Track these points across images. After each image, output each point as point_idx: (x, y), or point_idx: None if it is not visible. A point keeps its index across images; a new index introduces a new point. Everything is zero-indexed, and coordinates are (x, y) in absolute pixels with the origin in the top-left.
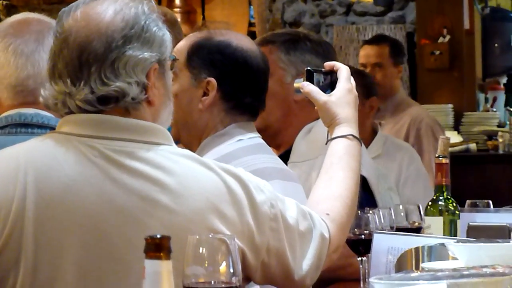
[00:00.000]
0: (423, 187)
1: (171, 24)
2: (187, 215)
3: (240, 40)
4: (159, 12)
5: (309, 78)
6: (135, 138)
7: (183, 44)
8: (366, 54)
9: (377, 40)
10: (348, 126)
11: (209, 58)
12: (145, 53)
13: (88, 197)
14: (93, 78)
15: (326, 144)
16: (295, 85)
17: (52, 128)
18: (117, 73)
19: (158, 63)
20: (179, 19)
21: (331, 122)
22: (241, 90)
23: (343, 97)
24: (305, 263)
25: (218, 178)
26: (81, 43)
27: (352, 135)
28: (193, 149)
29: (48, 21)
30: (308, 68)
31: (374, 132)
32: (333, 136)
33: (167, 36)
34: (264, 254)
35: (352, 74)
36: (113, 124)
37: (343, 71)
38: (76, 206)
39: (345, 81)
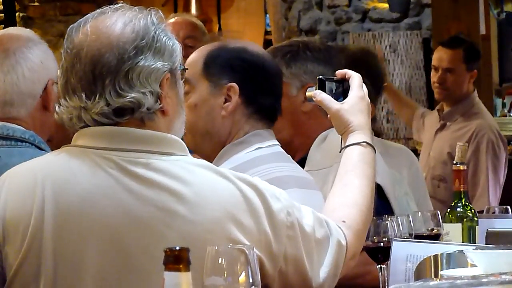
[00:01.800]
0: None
1: (201, 33)
2: (204, 225)
3: (253, 46)
4: (185, 21)
5: (321, 87)
6: (150, 149)
7: (197, 55)
8: (439, 57)
9: (452, 43)
10: (361, 134)
11: (228, 64)
12: (158, 63)
13: (105, 209)
14: (108, 91)
15: (340, 152)
16: (308, 94)
17: (17, 140)
18: (131, 84)
19: (170, 73)
20: None
21: (344, 130)
22: (262, 94)
23: (355, 104)
24: (323, 270)
25: (234, 187)
26: (94, 56)
27: (366, 142)
28: (211, 158)
29: (25, 35)
30: (320, 76)
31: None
32: (347, 143)
33: (177, 46)
34: (281, 262)
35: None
36: (128, 136)
37: (355, 79)
38: (93, 218)
39: (358, 88)
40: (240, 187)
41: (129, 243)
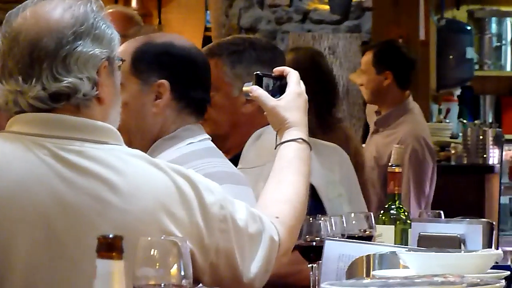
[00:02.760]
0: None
1: (137, 25)
2: (136, 215)
3: (180, 39)
4: (123, 12)
5: (258, 83)
6: (84, 137)
7: (123, 51)
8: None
9: (367, 46)
10: (297, 130)
11: (157, 60)
12: (96, 50)
13: (38, 196)
14: (44, 75)
15: (275, 148)
16: (244, 89)
17: None
18: (68, 68)
19: (107, 61)
20: None
21: (280, 127)
22: (192, 88)
23: (292, 101)
24: (254, 265)
25: (168, 178)
26: (32, 40)
27: (302, 139)
28: (150, 153)
29: None
30: (257, 72)
31: None
32: (283, 140)
33: (115, 35)
34: (213, 256)
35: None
36: (63, 123)
37: (293, 75)
38: (25, 204)
39: (295, 85)
40: (174, 178)
41: (60, 231)
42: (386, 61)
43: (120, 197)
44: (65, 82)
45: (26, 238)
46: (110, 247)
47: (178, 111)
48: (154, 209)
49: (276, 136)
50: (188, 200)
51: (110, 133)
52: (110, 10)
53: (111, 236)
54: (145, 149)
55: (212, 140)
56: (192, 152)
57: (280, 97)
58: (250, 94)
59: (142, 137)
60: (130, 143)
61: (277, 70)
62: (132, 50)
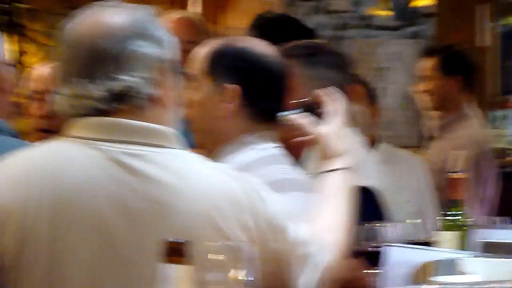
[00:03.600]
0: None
1: (205, 33)
2: (196, 218)
3: (259, 46)
4: (191, 17)
5: (301, 110)
6: (145, 141)
7: (203, 51)
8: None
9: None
10: (344, 159)
11: (233, 65)
12: (156, 51)
13: (99, 200)
14: (107, 75)
15: (320, 173)
16: (287, 117)
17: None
18: (130, 68)
19: (166, 63)
20: None
21: (328, 154)
22: (264, 96)
23: (338, 129)
24: (300, 283)
25: (232, 183)
26: (92, 43)
27: (348, 168)
28: (212, 156)
29: None
30: (298, 100)
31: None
32: (331, 168)
33: (174, 40)
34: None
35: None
36: (124, 127)
37: (335, 104)
38: (88, 208)
39: (339, 113)
40: (238, 183)
41: (120, 235)
42: (454, 66)
43: (181, 201)
44: (127, 81)
45: (83, 242)
46: (179, 252)
47: (248, 118)
48: (211, 213)
49: (320, 162)
50: (251, 206)
51: (171, 136)
52: (177, 16)
53: (180, 241)
54: (215, 152)
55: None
56: (261, 159)
57: (327, 124)
58: (295, 122)
59: (211, 138)
60: (201, 143)
61: (317, 96)
62: (211, 52)
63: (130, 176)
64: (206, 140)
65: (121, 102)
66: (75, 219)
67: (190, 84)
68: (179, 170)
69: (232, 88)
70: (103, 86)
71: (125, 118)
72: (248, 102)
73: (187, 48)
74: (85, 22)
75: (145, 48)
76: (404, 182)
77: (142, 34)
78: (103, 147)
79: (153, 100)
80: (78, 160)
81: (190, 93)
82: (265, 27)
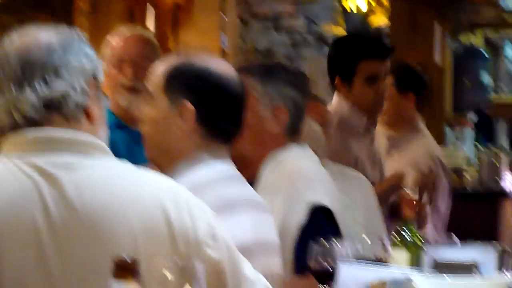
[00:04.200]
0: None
1: (154, 48)
2: (129, 234)
3: (218, 65)
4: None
5: None
6: (74, 151)
7: (161, 68)
8: None
9: None
10: None
11: (188, 83)
12: (86, 63)
13: (28, 213)
14: (37, 81)
15: None
16: None
17: None
18: (60, 76)
19: (94, 78)
20: None
21: None
22: (218, 116)
23: None
24: None
25: (163, 196)
26: (22, 55)
27: None
28: (167, 173)
29: None
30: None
31: None
32: None
33: (99, 61)
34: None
35: None
36: (52, 139)
37: None
38: (16, 222)
39: None
40: (168, 196)
41: (51, 248)
42: (408, 83)
43: (111, 215)
44: (58, 89)
45: (16, 255)
46: (128, 270)
47: (203, 136)
48: (140, 227)
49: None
50: (175, 222)
51: (99, 147)
52: (129, 35)
53: (128, 259)
54: (168, 168)
55: (237, 165)
56: (214, 179)
57: None
58: None
59: (165, 155)
60: (156, 160)
61: None
62: (168, 69)
63: (58, 187)
64: (159, 157)
65: (51, 111)
66: (5, 233)
67: (147, 100)
68: (111, 183)
69: (187, 107)
70: (33, 92)
71: (56, 128)
72: (203, 121)
73: (139, 64)
74: (13, 39)
75: (77, 59)
76: (352, 200)
77: (73, 46)
78: (31, 159)
79: (83, 111)
80: (6, 176)
81: (146, 109)
82: None
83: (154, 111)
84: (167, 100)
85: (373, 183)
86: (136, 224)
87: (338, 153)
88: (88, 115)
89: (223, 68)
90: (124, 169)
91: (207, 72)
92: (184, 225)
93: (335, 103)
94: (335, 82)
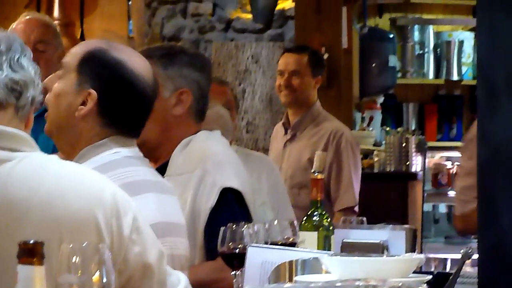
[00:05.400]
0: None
1: (53, 36)
2: (53, 224)
3: (135, 61)
4: (44, 19)
5: None
6: (2, 145)
7: (81, 48)
8: (285, 61)
9: (297, 49)
10: None
11: (98, 71)
12: (31, 71)
13: None
14: (5, 64)
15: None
16: None
17: None
18: (23, 66)
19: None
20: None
21: None
22: (119, 110)
23: None
24: None
25: (96, 186)
26: None
27: None
28: (67, 157)
29: None
30: None
31: None
32: None
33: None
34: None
35: None
36: None
37: None
38: None
39: None
40: (99, 186)
41: None
42: (320, 66)
43: (36, 206)
44: (22, 73)
45: None
46: (30, 253)
47: (101, 126)
48: (82, 214)
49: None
50: (110, 209)
51: (26, 141)
52: (28, 17)
53: (31, 242)
54: (68, 152)
55: (142, 150)
56: (116, 161)
57: None
58: None
59: (62, 135)
60: (53, 136)
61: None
62: (85, 51)
63: None
64: (57, 133)
65: (10, 98)
66: None
67: (58, 74)
68: (35, 174)
69: (91, 94)
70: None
71: None
72: (102, 110)
73: (36, 47)
74: None
75: (29, 65)
76: (259, 183)
77: (24, 48)
78: None
79: (26, 117)
80: None
81: (55, 81)
82: None
83: (60, 85)
84: (75, 81)
85: None
86: (61, 218)
87: None
88: (27, 122)
89: (139, 64)
90: (50, 160)
91: (119, 64)
92: (110, 220)
93: None
94: None
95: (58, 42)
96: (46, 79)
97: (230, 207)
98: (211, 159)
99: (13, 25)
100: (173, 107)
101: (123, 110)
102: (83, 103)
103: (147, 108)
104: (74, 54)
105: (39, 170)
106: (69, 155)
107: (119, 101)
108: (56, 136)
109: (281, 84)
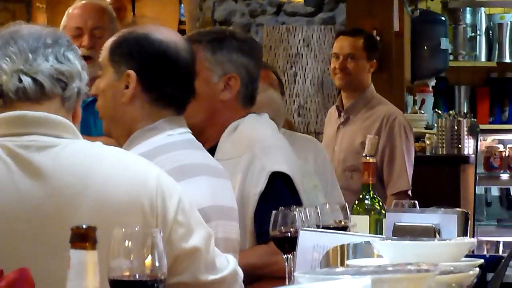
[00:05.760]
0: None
1: (109, 20)
2: (105, 205)
3: (162, 32)
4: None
5: None
6: (43, 131)
7: (106, 43)
8: (340, 45)
9: (352, 32)
10: None
11: (128, 51)
12: (77, 63)
13: (2, 195)
14: (51, 55)
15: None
16: None
17: None
18: (70, 59)
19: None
20: None
21: None
22: (161, 81)
23: None
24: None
25: (142, 170)
26: (33, 33)
27: None
28: (121, 143)
29: None
30: None
31: None
32: None
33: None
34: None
35: None
36: (22, 119)
37: None
38: None
39: None
40: (136, 172)
41: (23, 230)
42: (375, 49)
43: (84, 194)
44: (68, 65)
45: None
46: (83, 238)
47: (150, 103)
48: (126, 201)
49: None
50: (153, 194)
51: (70, 128)
52: (84, 2)
53: (84, 226)
54: (122, 138)
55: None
56: (170, 143)
57: None
58: None
59: (116, 124)
60: (107, 129)
61: None
62: (114, 39)
63: (28, 168)
64: (112, 128)
65: (55, 89)
66: None
67: (99, 74)
68: (80, 160)
69: (130, 75)
70: (47, 62)
71: (28, 110)
72: (147, 88)
73: (93, 33)
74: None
75: (76, 58)
76: (309, 167)
77: (71, 46)
78: (3, 142)
79: (73, 109)
80: None
81: (98, 82)
82: None
83: (103, 83)
84: (112, 71)
85: None
86: (107, 203)
87: None
88: (74, 115)
89: (166, 34)
90: (94, 148)
91: (145, 39)
92: (155, 203)
93: None
94: None
95: (114, 27)
96: (92, 87)
97: (279, 191)
98: (259, 143)
99: (70, 9)
100: (221, 92)
101: (164, 79)
102: (126, 88)
103: (188, 74)
104: (103, 51)
105: (84, 157)
106: (121, 141)
107: (157, 71)
108: (114, 130)
109: (336, 67)
